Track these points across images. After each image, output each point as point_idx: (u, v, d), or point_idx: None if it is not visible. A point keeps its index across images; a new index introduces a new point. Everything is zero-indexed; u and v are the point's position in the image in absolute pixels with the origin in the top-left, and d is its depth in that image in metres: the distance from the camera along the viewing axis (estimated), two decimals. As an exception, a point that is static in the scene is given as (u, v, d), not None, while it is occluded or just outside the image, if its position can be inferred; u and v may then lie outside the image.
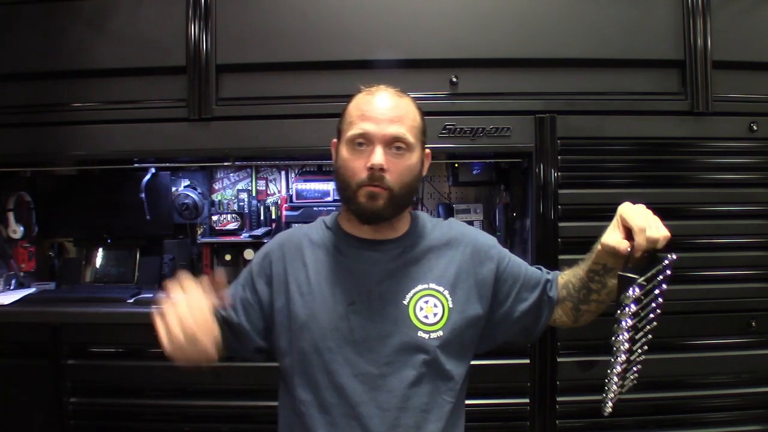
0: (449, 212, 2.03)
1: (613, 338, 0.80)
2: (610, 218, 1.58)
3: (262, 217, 2.07)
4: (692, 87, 1.61)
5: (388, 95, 0.94)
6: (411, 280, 0.94)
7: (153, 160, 1.87)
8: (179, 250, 2.01)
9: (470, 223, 2.02)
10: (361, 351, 0.90)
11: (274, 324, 0.96)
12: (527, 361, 1.58)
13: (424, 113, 0.98)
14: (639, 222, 0.80)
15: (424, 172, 0.99)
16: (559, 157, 1.60)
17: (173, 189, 2.03)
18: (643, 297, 0.79)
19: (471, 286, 0.96)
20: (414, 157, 0.93)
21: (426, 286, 0.94)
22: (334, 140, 0.99)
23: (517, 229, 1.84)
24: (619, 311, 0.77)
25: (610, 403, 0.87)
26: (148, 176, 1.93)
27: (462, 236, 1.00)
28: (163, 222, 1.99)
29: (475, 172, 2.08)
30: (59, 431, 1.61)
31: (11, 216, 1.90)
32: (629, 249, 0.81)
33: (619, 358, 0.82)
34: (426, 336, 0.91)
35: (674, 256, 0.80)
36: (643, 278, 0.77)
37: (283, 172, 2.11)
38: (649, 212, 0.82)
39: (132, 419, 1.61)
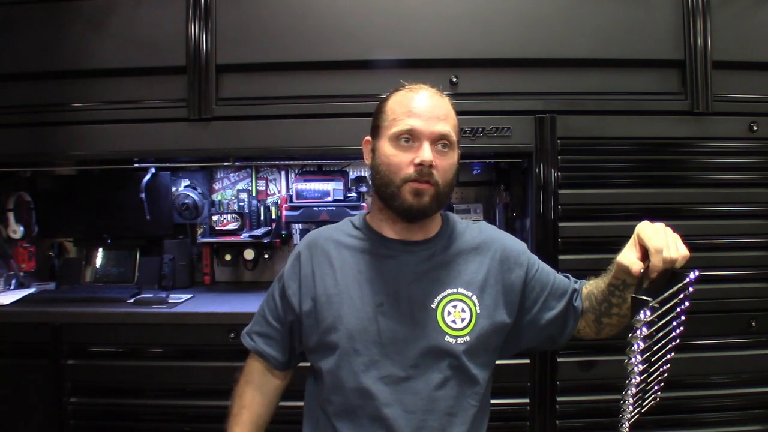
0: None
1: (626, 361, 0.78)
2: (610, 218, 1.60)
3: (262, 217, 2.07)
4: (692, 87, 1.61)
5: (431, 94, 0.94)
6: (440, 283, 0.93)
7: (153, 160, 1.87)
8: (179, 250, 2.01)
9: (470, 223, 2.02)
10: (388, 353, 0.90)
11: (303, 325, 0.96)
12: (527, 361, 1.57)
13: None
14: (655, 243, 0.77)
15: None
16: (559, 157, 1.60)
17: (173, 189, 2.03)
18: (657, 320, 0.76)
19: (499, 292, 0.95)
20: (455, 156, 0.94)
21: (455, 290, 0.93)
22: (367, 138, 0.98)
23: (517, 229, 1.84)
24: (630, 334, 0.76)
25: (626, 424, 0.85)
26: (148, 176, 1.93)
27: (492, 241, 1.00)
28: (163, 222, 2.00)
29: (475, 172, 2.09)
30: (59, 431, 1.61)
31: (11, 216, 1.91)
32: (643, 269, 0.79)
33: (633, 380, 0.80)
34: (453, 341, 0.90)
35: (696, 274, 0.77)
36: (655, 301, 0.75)
37: (283, 172, 2.11)
38: (669, 230, 0.80)
39: (132, 419, 1.61)
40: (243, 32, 1.63)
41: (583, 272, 1.59)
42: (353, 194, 2.02)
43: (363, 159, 1.00)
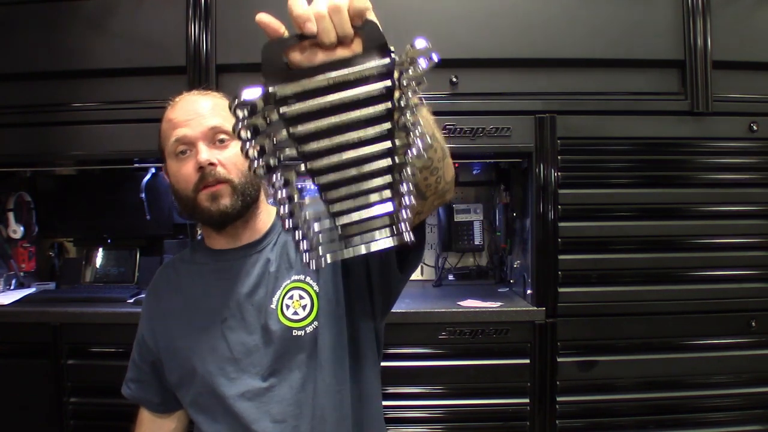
0: (449, 212, 2.03)
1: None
2: (610, 218, 1.60)
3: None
4: (692, 87, 1.61)
5: (192, 97, 0.92)
6: (275, 280, 0.89)
7: (153, 160, 1.86)
8: (179, 250, 1.99)
9: (470, 223, 2.03)
10: (243, 367, 0.87)
11: (163, 362, 0.95)
12: (527, 361, 1.57)
13: None
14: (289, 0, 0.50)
15: None
16: (559, 157, 1.60)
17: (173, 189, 2.03)
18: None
19: None
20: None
21: (288, 281, 0.89)
22: (162, 166, 0.96)
23: (517, 229, 1.84)
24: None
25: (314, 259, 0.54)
26: (148, 176, 1.93)
27: None
28: (163, 222, 1.99)
29: (475, 172, 2.09)
30: (59, 431, 1.61)
31: (11, 216, 1.90)
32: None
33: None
34: (301, 333, 0.85)
35: (394, 56, 0.47)
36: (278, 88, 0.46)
37: (283, 172, 2.11)
38: None
39: (132, 419, 1.60)
40: (243, 32, 1.63)
41: (583, 272, 1.61)
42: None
43: None
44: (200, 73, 1.62)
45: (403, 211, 0.54)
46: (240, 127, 0.47)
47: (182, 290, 0.96)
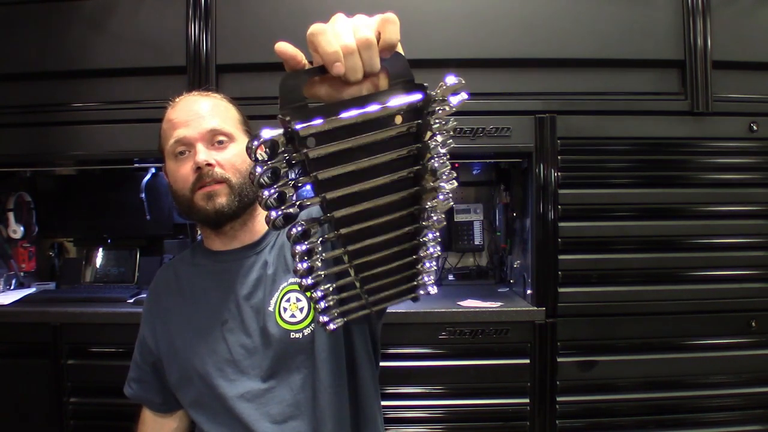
0: (449, 212, 2.03)
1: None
2: (610, 218, 1.61)
3: (262, 217, 2.07)
4: (692, 87, 1.61)
5: (192, 98, 0.93)
6: (273, 282, 0.90)
7: (153, 160, 1.86)
8: (179, 250, 2.01)
9: (470, 223, 2.03)
10: (243, 369, 0.87)
11: (163, 363, 0.96)
12: (527, 361, 1.57)
13: None
14: (312, 29, 0.48)
15: None
16: (559, 157, 1.60)
17: (173, 189, 2.03)
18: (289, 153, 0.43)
19: None
20: (240, 146, 0.91)
21: (285, 283, 0.89)
22: (162, 166, 0.96)
23: (517, 229, 1.84)
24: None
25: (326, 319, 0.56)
26: (148, 176, 1.93)
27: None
28: (163, 222, 2.00)
29: (475, 172, 2.09)
30: (59, 431, 1.61)
31: (11, 216, 1.90)
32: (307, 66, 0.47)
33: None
34: (299, 335, 0.86)
35: (425, 94, 0.44)
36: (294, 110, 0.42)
37: (283, 172, 2.11)
38: (352, 21, 0.50)
39: (132, 419, 1.60)
40: (243, 32, 1.63)
41: (583, 272, 1.61)
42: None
43: None
44: (200, 73, 1.62)
45: (428, 263, 0.52)
46: (261, 172, 0.42)
47: (182, 292, 0.96)
